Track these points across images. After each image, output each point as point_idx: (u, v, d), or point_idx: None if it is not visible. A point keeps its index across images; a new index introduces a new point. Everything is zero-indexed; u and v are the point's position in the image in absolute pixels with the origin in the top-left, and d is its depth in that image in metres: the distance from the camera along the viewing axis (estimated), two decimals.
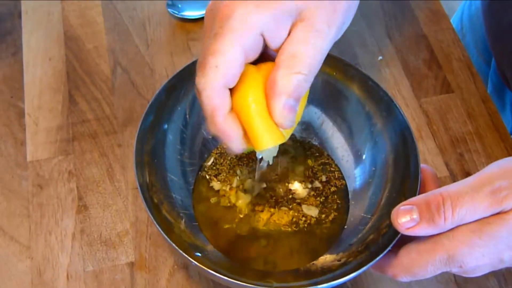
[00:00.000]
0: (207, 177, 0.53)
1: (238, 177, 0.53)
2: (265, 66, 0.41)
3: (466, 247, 0.40)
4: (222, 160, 0.54)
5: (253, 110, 0.40)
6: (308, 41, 0.39)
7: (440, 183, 0.48)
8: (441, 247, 0.40)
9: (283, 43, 0.40)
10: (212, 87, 0.39)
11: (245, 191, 0.53)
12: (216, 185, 0.53)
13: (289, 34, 0.40)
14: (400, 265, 0.43)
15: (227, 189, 0.53)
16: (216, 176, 0.53)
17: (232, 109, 0.40)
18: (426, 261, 0.41)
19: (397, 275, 0.43)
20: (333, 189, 0.53)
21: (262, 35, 0.39)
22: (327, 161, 0.55)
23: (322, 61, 0.41)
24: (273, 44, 0.40)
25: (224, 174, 0.54)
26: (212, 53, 0.39)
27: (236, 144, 0.41)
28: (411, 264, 0.42)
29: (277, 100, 0.39)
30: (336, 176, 0.54)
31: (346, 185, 0.53)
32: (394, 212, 0.41)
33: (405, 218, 0.40)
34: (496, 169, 0.41)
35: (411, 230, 0.40)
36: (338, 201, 0.53)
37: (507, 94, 0.74)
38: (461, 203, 0.39)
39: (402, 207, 0.41)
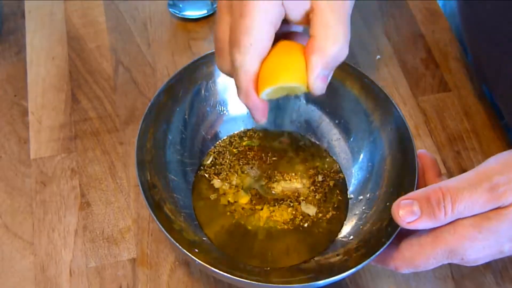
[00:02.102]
0: (207, 175, 0.54)
1: (237, 175, 0.54)
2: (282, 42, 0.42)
3: (467, 241, 0.41)
4: (221, 159, 0.55)
5: (279, 56, 0.41)
6: (334, 9, 0.40)
7: (439, 170, 0.48)
8: (443, 241, 0.41)
9: (308, 15, 0.41)
10: (250, 64, 0.41)
11: (244, 189, 0.53)
12: (216, 183, 0.53)
13: (311, 8, 0.41)
14: (402, 258, 0.43)
15: (227, 187, 0.53)
16: (216, 174, 0.54)
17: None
18: (428, 254, 0.42)
19: (399, 267, 0.44)
20: (332, 183, 0.54)
21: (283, 6, 0.40)
22: (324, 156, 0.55)
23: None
24: (292, 16, 0.41)
25: (224, 173, 0.54)
26: (244, 32, 0.40)
27: (265, 116, 0.43)
28: (413, 257, 0.42)
29: (317, 67, 0.41)
30: (333, 170, 0.55)
31: (344, 180, 0.54)
32: (394, 206, 0.42)
33: (406, 212, 0.41)
34: (494, 163, 0.42)
35: (412, 224, 0.41)
36: (338, 197, 0.53)
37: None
38: (460, 199, 0.40)
39: (402, 201, 0.42)
